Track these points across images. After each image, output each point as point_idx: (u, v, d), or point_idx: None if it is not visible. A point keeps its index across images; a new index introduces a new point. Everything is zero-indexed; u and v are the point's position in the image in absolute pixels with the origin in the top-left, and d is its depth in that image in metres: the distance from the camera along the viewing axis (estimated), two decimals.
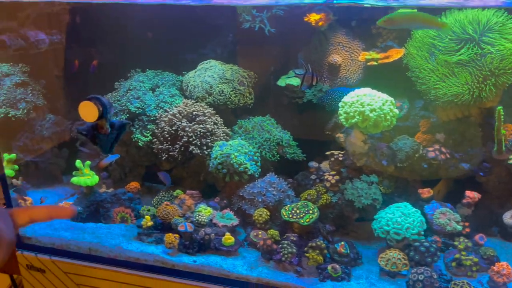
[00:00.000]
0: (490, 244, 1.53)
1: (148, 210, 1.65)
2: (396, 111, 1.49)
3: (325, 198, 1.63)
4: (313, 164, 1.76)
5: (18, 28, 1.47)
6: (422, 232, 1.45)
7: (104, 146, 1.37)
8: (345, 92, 1.53)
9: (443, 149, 1.51)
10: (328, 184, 1.64)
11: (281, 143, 1.71)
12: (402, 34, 1.61)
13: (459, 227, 1.47)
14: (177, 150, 1.68)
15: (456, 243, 1.45)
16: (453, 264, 1.40)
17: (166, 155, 1.68)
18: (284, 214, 1.55)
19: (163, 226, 1.64)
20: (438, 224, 1.48)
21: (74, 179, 1.68)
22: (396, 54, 1.56)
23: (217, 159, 1.63)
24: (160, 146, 1.69)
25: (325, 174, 1.69)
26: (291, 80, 1.69)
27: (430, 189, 1.54)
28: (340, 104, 1.55)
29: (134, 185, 1.76)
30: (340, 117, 1.53)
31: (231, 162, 1.61)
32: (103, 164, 1.66)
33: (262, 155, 1.72)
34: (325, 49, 1.72)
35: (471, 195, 1.48)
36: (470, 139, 1.55)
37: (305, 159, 1.75)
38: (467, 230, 1.49)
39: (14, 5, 1.50)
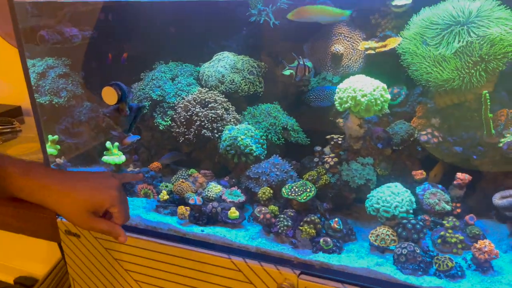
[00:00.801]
0: (484, 226, 1.58)
1: (166, 186, 1.87)
2: (388, 96, 1.58)
3: (324, 179, 1.75)
4: (317, 148, 1.89)
5: (55, 24, 1.73)
6: (411, 211, 1.54)
7: (124, 125, 1.60)
8: (327, 90, 1.66)
9: (436, 133, 1.58)
10: (327, 166, 1.76)
11: (286, 127, 1.85)
12: (401, 24, 1.69)
13: (448, 207, 1.53)
14: (192, 134, 1.87)
15: (444, 222, 1.52)
16: (439, 241, 1.48)
17: (183, 138, 1.88)
18: (284, 192, 1.70)
19: (178, 200, 1.85)
20: (427, 204, 1.56)
21: (105, 158, 1.93)
22: (392, 42, 1.65)
23: (226, 141, 1.81)
24: (177, 130, 1.89)
25: (325, 156, 1.81)
26: (292, 64, 1.82)
27: (423, 171, 1.62)
28: (336, 90, 1.66)
29: (156, 164, 1.98)
30: (335, 102, 1.65)
31: (238, 144, 1.78)
32: (126, 142, 1.89)
33: (269, 139, 1.87)
34: (328, 39, 1.83)
35: (461, 176, 1.54)
36: (465, 124, 1.60)
37: (309, 143, 1.88)
38: (458, 210, 1.55)
39: (52, 4, 1.77)
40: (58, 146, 1.99)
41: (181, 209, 1.74)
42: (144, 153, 2.19)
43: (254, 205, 1.84)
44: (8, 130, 2.49)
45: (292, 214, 1.68)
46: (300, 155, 1.97)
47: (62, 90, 2.00)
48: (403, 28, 1.66)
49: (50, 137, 1.96)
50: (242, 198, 1.80)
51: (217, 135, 1.84)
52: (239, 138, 1.78)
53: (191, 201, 1.74)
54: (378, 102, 1.55)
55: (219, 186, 1.84)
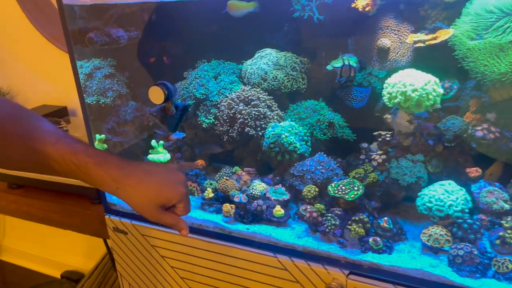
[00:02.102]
0: None
1: (211, 184, 1.88)
2: (440, 90, 1.52)
3: (372, 176, 1.70)
4: (363, 144, 1.84)
5: (103, 26, 1.77)
6: (467, 210, 1.47)
7: (170, 125, 1.62)
8: (364, 92, 1.63)
9: (492, 128, 1.50)
10: (375, 163, 1.72)
11: (332, 123, 1.82)
12: (452, 15, 1.62)
13: (507, 206, 1.46)
14: (235, 131, 1.87)
15: (503, 222, 1.45)
16: (498, 242, 1.41)
17: (226, 136, 1.89)
18: (330, 190, 1.67)
19: (223, 198, 1.85)
20: (484, 203, 1.49)
21: (150, 157, 1.96)
22: (444, 34, 1.58)
23: (269, 139, 1.79)
24: (221, 128, 1.89)
25: (373, 154, 1.76)
26: (333, 62, 1.78)
27: (479, 168, 1.54)
28: (384, 85, 1.61)
29: (200, 162, 1.99)
30: (384, 98, 1.60)
31: (282, 141, 1.76)
32: (171, 138, 1.92)
33: (314, 135, 1.84)
34: (374, 33, 1.78)
35: None
36: None
37: (355, 138, 1.83)
38: None
39: (98, 6, 1.81)
40: (105, 145, 2.04)
41: (226, 207, 1.75)
42: (187, 151, 2.21)
43: (299, 203, 1.82)
44: None
45: (339, 212, 1.65)
46: (345, 152, 1.93)
47: (108, 90, 2.04)
48: (455, 18, 1.59)
49: (97, 136, 2.01)
50: (286, 196, 1.78)
51: (260, 133, 1.83)
52: (283, 136, 1.76)
53: (236, 199, 1.74)
54: (430, 96, 1.49)
55: (263, 184, 1.83)
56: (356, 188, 1.64)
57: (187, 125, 2.14)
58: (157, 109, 1.65)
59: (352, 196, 1.63)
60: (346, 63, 1.60)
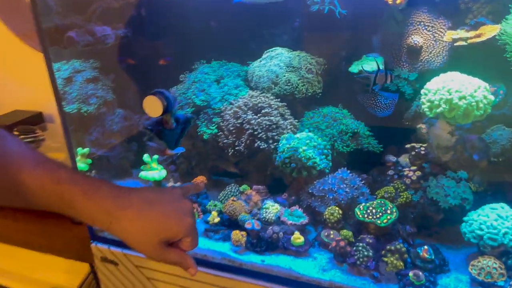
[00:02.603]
0: None
1: (215, 206, 1.61)
2: (491, 97, 1.29)
3: (405, 196, 1.47)
4: (390, 158, 1.60)
5: (85, 23, 1.47)
6: None
7: (169, 140, 1.34)
8: (389, 98, 1.39)
9: None
10: (408, 181, 1.48)
11: (357, 133, 1.58)
12: (498, 9, 1.39)
13: None
14: (242, 144, 1.61)
15: None
16: None
17: (232, 150, 1.62)
18: (359, 213, 1.42)
19: (230, 222, 1.59)
20: None
21: (142, 174, 1.68)
22: (489, 31, 1.34)
23: (284, 153, 1.54)
24: (225, 140, 1.63)
25: (404, 169, 1.53)
26: (364, 65, 1.54)
27: None
28: (422, 91, 1.37)
29: (200, 179, 1.72)
30: (423, 106, 1.36)
31: (299, 156, 1.50)
32: (168, 152, 1.65)
33: (335, 147, 1.59)
34: (403, 30, 1.54)
35: None
36: None
37: (381, 150, 1.60)
38: None
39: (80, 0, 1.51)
40: (89, 160, 1.75)
41: (236, 234, 1.49)
42: (184, 163, 1.93)
43: (319, 228, 1.57)
44: (31, 139, 2.26)
45: (370, 241, 1.41)
46: (369, 167, 1.69)
47: (91, 96, 1.75)
48: (502, 13, 1.36)
49: (80, 150, 1.71)
50: (304, 219, 1.53)
51: (272, 146, 1.57)
52: (300, 150, 1.51)
53: (248, 226, 1.48)
54: (481, 105, 1.25)
55: (276, 205, 1.57)
56: (389, 212, 1.40)
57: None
58: (153, 122, 1.36)
59: (385, 221, 1.39)
60: (382, 68, 1.35)
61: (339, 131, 1.60)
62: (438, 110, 1.31)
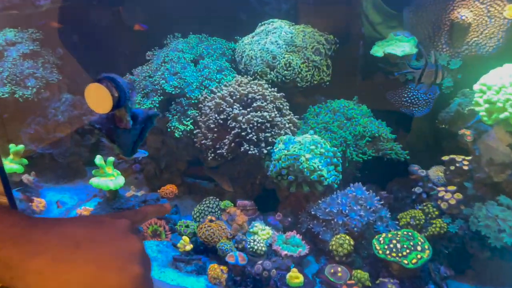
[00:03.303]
0: None
1: (187, 227, 1.22)
2: None
3: (438, 225, 1.10)
4: (417, 169, 1.22)
5: None
6: None
7: (124, 144, 0.91)
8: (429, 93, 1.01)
9: None
10: (444, 205, 1.11)
11: (378, 137, 1.19)
12: None
13: None
14: (226, 147, 1.21)
15: None
16: None
17: (212, 154, 1.22)
18: (378, 248, 1.05)
19: (206, 248, 1.21)
20: None
21: (94, 182, 1.27)
22: None
23: (280, 162, 1.14)
24: (204, 141, 1.22)
25: (438, 188, 1.15)
26: (392, 47, 1.13)
27: None
28: (478, 88, 0.98)
29: (170, 189, 1.33)
30: (477, 108, 0.97)
31: (300, 167, 1.11)
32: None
33: (346, 155, 1.20)
34: (446, 2, 1.13)
35: None
36: None
37: (407, 158, 1.22)
38: None
39: None
40: (25, 160, 1.33)
41: (215, 270, 1.11)
42: (150, 164, 1.53)
43: (321, 259, 1.20)
44: None
45: (393, 287, 1.04)
46: (384, 178, 1.32)
47: (29, 77, 1.32)
48: None
49: (12, 146, 1.29)
50: (303, 249, 1.16)
51: (265, 151, 1.18)
52: (303, 158, 1.11)
53: (230, 259, 1.10)
54: None
55: (267, 229, 1.20)
56: (419, 248, 1.03)
57: (151, 130, 1.44)
58: (103, 120, 0.93)
59: (414, 261, 1.02)
60: (433, 60, 0.96)
61: (355, 134, 1.21)
62: (502, 116, 0.92)
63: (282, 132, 1.25)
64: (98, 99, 0.78)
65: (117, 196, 1.34)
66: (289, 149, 1.19)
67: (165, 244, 1.30)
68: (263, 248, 1.16)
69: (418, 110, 1.13)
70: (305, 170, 1.17)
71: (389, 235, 1.11)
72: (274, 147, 1.23)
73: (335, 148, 1.22)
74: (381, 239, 1.11)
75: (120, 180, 1.31)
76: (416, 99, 1.13)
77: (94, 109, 0.80)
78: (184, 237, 1.20)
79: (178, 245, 1.21)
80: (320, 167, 1.17)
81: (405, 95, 1.13)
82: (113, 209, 1.32)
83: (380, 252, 1.08)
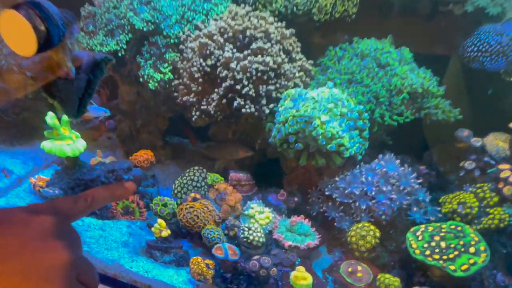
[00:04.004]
0: None
1: (164, 206, 0.95)
2: None
3: (497, 216, 0.81)
4: (467, 135, 0.91)
5: None
6: None
7: (67, 102, 0.59)
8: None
9: None
10: (508, 190, 0.81)
11: (418, 93, 0.87)
12: None
13: None
14: (213, 103, 0.90)
15: None
16: None
17: (197, 112, 0.92)
18: (415, 247, 0.78)
19: (188, 232, 0.94)
20: None
21: (46, 145, 0.98)
22: None
23: (287, 125, 0.84)
24: (186, 97, 0.92)
25: (498, 165, 0.85)
26: None
27: None
28: None
29: (144, 155, 1.04)
30: None
31: (314, 133, 0.80)
32: (87, 116, 0.95)
33: (375, 117, 0.89)
34: None
35: None
36: None
37: (459, 118, 0.91)
38: None
39: None
40: None
41: (199, 265, 0.85)
42: (124, 123, 1.24)
43: (335, 250, 0.93)
44: None
45: None
46: (419, 147, 1.02)
47: None
48: None
49: None
50: (313, 239, 0.89)
51: (266, 110, 0.87)
52: (317, 122, 0.80)
53: (217, 253, 0.84)
54: None
55: (266, 211, 0.91)
56: (472, 250, 0.75)
57: (121, 78, 1.14)
58: (36, 64, 0.60)
59: (464, 267, 0.74)
60: None
61: (389, 88, 0.88)
62: None
63: (291, 84, 0.93)
64: (17, 34, 0.46)
65: (77, 164, 1.05)
66: (299, 108, 0.88)
67: (138, 225, 1.03)
68: (261, 239, 0.89)
69: (492, 62, 0.78)
70: (320, 137, 0.86)
71: (430, 229, 0.83)
72: (279, 105, 0.92)
73: (362, 107, 0.90)
74: (419, 234, 0.83)
75: (80, 145, 1.01)
76: (494, 48, 0.78)
77: (14, 50, 0.48)
78: (160, 221, 0.93)
79: (153, 229, 0.93)
80: (340, 133, 0.87)
81: (482, 46, 0.79)
82: (72, 181, 1.04)
83: (418, 252, 0.81)
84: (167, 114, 1.18)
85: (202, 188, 1.02)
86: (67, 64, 0.59)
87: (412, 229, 0.85)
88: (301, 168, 1.01)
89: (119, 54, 1.01)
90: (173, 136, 1.34)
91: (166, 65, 1.00)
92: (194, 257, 0.92)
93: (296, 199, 0.98)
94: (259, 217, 0.95)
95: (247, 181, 1.01)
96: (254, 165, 1.12)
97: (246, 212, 0.96)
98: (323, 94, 0.89)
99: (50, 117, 1.03)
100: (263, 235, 0.91)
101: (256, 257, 0.90)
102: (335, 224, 0.93)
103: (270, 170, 1.08)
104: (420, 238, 0.83)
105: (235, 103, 0.92)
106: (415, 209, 0.91)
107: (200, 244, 1.00)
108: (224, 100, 0.93)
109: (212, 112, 0.95)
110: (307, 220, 0.96)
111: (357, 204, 0.90)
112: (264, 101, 0.93)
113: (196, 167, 1.04)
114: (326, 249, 1.02)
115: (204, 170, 1.04)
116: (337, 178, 0.93)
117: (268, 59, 0.90)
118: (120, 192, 0.46)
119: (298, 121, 0.89)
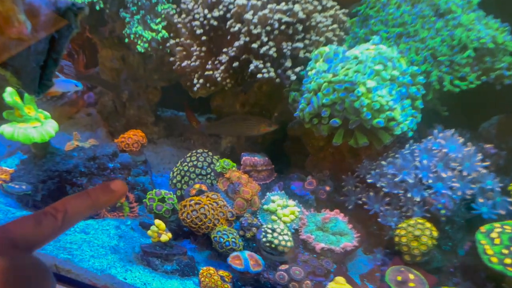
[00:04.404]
0: None
1: (162, 201, 0.75)
2: None
3: None
4: None
5: None
6: None
7: (23, 71, 0.36)
8: None
9: None
10: None
11: (488, 49, 0.66)
12: None
13: None
14: (221, 68, 0.68)
15: None
16: None
17: (200, 79, 0.70)
18: (490, 253, 0.62)
19: (191, 231, 0.74)
20: None
21: (6, 130, 0.77)
22: None
23: (320, 95, 0.63)
24: (185, 62, 0.70)
25: None
26: None
27: None
28: None
29: (133, 137, 0.82)
30: None
31: (356, 104, 0.60)
32: (53, 91, 0.73)
33: (431, 82, 0.69)
34: None
35: None
36: None
37: None
38: None
39: None
40: None
41: (209, 277, 0.67)
42: (107, 96, 1.03)
43: (377, 254, 0.74)
44: None
45: None
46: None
47: None
48: None
49: None
50: (350, 239, 0.71)
51: (292, 75, 0.65)
52: (362, 89, 0.59)
53: (235, 264, 0.65)
54: None
55: (290, 205, 0.71)
56: None
57: (100, 40, 0.91)
58: None
59: None
60: None
61: (451, 43, 0.67)
62: None
63: (323, 40, 0.71)
64: None
65: (48, 152, 0.83)
66: (338, 72, 0.66)
67: (128, 225, 0.83)
68: (289, 244, 0.69)
69: None
70: (365, 109, 0.65)
71: (507, 228, 0.63)
72: (309, 68, 0.70)
73: (416, 68, 0.69)
74: (494, 235, 0.64)
75: (50, 127, 0.80)
76: None
77: None
78: (158, 222, 0.72)
79: (149, 233, 0.73)
80: (391, 103, 0.66)
81: None
82: (44, 172, 0.82)
83: (495, 260, 0.62)
84: (159, 83, 0.96)
85: (208, 176, 0.81)
86: (19, 17, 0.38)
87: (483, 229, 0.66)
88: (331, 147, 0.81)
89: (97, 7, 0.78)
90: (166, 109, 1.12)
91: (158, 20, 0.78)
92: (205, 268, 0.73)
93: (327, 188, 0.78)
94: (282, 213, 0.75)
95: (265, 165, 0.81)
96: (267, 144, 0.91)
97: (265, 207, 0.76)
98: (368, 53, 0.67)
99: (9, 94, 0.79)
100: (291, 238, 0.71)
101: (283, 266, 0.70)
102: (379, 220, 0.74)
103: (290, 150, 0.88)
104: (496, 241, 0.64)
105: (251, 67, 0.70)
106: (480, 200, 0.72)
107: (206, 245, 0.81)
108: (236, 63, 0.71)
109: (219, 79, 0.73)
110: (342, 215, 0.77)
111: (408, 195, 0.71)
112: (288, 63, 0.71)
113: (199, 150, 0.82)
114: (362, 249, 0.83)
115: (210, 154, 0.83)
116: (383, 162, 0.72)
117: (296, 7, 0.67)
118: (105, 198, 0.33)
119: (336, 89, 0.68)
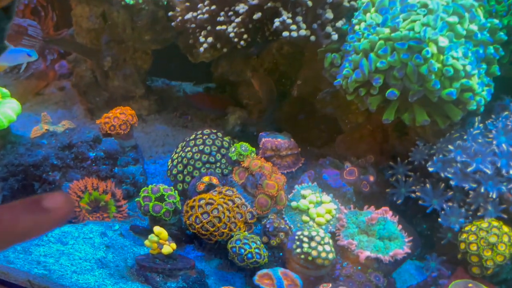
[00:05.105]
0: None
1: (160, 200, 0.57)
2: None
3: None
4: None
5: None
6: None
7: None
8: None
9: None
10: None
11: None
12: None
13: None
14: (237, 21, 0.49)
15: None
16: None
17: (208, 37, 0.51)
18: None
19: (195, 235, 0.57)
20: None
21: None
22: None
23: (372, 56, 0.46)
24: (189, 15, 0.50)
25: None
26: None
27: None
28: None
29: (121, 116, 0.63)
30: None
31: (423, 70, 0.42)
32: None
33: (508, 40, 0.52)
34: None
35: None
36: None
37: None
38: None
39: None
40: None
41: None
42: (84, 64, 0.83)
43: (431, 262, 0.58)
44: None
45: None
46: None
47: None
48: None
49: None
50: (401, 244, 0.54)
51: (333, 34, 0.46)
52: (432, 49, 0.43)
53: (265, 285, 0.48)
54: None
55: (325, 201, 0.53)
56: None
57: None
58: None
59: None
60: None
61: None
62: None
63: None
64: None
65: (8, 141, 0.64)
66: (398, 25, 0.48)
67: (117, 230, 0.67)
68: (330, 256, 0.53)
69: None
70: (434, 76, 0.47)
71: None
72: (355, 21, 0.52)
73: (497, 22, 0.51)
74: None
75: (9, 108, 0.64)
76: None
77: None
78: (158, 230, 0.56)
79: (146, 243, 0.55)
80: (468, 68, 0.48)
81: None
82: (4, 167, 0.64)
83: None
84: (151, 46, 0.76)
85: (218, 165, 0.63)
86: None
87: None
88: (371, 124, 0.64)
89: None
90: (156, 79, 0.93)
91: None
92: None
93: (371, 178, 0.62)
94: (316, 212, 0.59)
95: (290, 149, 0.63)
96: (288, 121, 0.73)
97: (293, 204, 0.60)
98: (441, 2, 0.49)
99: None
100: (332, 249, 0.55)
101: (325, 286, 0.54)
102: (440, 220, 0.58)
103: (316, 128, 0.70)
104: None
105: (276, 23, 0.51)
106: None
107: (215, 251, 0.64)
108: (258, 14, 0.52)
109: (232, 35, 0.54)
110: (391, 213, 0.61)
111: (482, 190, 0.55)
112: (329, 14, 0.53)
113: (206, 131, 0.64)
114: (419, 259, 0.67)
115: (219, 135, 0.65)
116: (450, 146, 0.56)
117: None
118: (28, 224, 0.19)
119: (396, 48, 0.50)
